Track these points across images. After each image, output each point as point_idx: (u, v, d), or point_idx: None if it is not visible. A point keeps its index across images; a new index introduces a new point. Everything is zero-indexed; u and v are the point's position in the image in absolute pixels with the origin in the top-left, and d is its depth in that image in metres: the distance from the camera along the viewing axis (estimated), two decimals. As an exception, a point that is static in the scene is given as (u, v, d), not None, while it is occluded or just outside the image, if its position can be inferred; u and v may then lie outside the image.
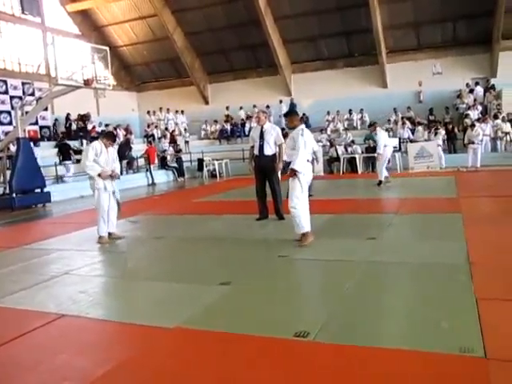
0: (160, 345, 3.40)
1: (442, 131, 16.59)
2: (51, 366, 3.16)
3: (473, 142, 14.83)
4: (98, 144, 7.02)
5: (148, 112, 23.54)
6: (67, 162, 16.01)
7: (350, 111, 20.87)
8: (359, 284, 4.44)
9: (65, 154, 16.38)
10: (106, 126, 19.94)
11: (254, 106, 20.46)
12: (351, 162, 16.98)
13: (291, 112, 6.69)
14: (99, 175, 6.87)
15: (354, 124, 20.61)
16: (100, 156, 6.88)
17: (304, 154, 5.82)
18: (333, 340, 3.24)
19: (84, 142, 19.38)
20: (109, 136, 7.30)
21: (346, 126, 20.54)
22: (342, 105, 20.76)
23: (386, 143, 12.01)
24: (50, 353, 3.38)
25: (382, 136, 12.05)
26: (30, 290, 4.87)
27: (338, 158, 16.84)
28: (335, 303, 3.94)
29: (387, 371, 2.82)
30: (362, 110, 20.63)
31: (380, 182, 11.86)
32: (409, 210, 8.17)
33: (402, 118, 19.36)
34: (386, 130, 18.62)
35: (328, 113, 20.97)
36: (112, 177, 7.00)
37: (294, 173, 5.83)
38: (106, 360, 3.21)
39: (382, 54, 20.15)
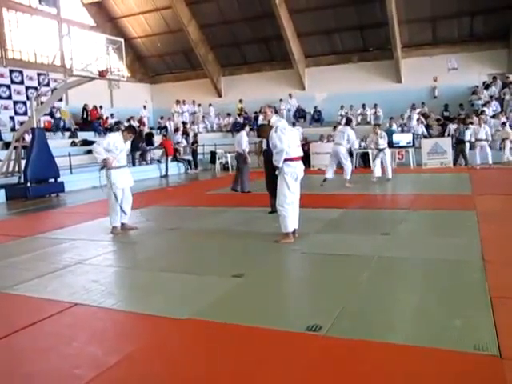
0: (172, 336, 3.42)
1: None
2: (63, 354, 3.18)
3: (480, 139, 14.68)
4: (116, 136, 7.16)
5: (144, 107, 23.47)
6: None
7: (364, 106, 20.71)
8: (373, 279, 4.42)
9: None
10: (129, 120, 19.97)
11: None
12: (364, 157, 16.90)
13: (260, 125, 6.79)
14: (105, 162, 6.92)
15: (368, 119, 20.44)
16: (116, 146, 6.97)
17: (281, 149, 5.71)
18: (345, 334, 3.23)
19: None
20: (130, 130, 7.43)
21: (359, 120, 20.39)
22: (356, 99, 20.59)
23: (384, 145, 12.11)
24: (62, 340, 3.40)
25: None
26: (43, 278, 4.91)
27: (350, 153, 16.72)
28: (348, 298, 3.92)
29: (400, 367, 2.81)
30: (375, 104, 20.44)
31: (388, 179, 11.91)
32: (422, 207, 8.10)
33: (420, 113, 19.15)
34: (400, 125, 18.55)
35: (341, 107, 20.83)
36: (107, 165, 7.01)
37: (278, 169, 5.79)
38: (117, 349, 3.23)
39: (397, 49, 19.93)
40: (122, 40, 13.03)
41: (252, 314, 3.69)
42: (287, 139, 5.74)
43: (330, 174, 11.51)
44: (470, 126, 15.47)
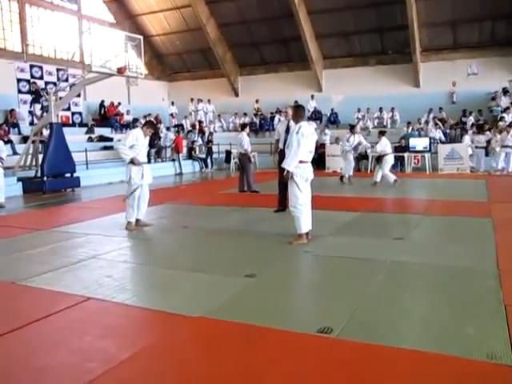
0: (183, 333, 3.43)
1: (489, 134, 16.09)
2: (76, 347, 3.21)
3: (506, 146, 14.54)
4: (138, 131, 7.26)
5: (172, 103, 23.59)
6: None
7: (381, 109, 20.59)
8: (385, 283, 4.39)
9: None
10: (145, 117, 20.12)
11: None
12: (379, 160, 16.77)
13: (298, 106, 6.58)
14: (132, 162, 6.98)
15: (384, 123, 20.33)
16: (138, 143, 7.06)
17: (296, 152, 5.69)
18: (357, 337, 3.21)
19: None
20: (150, 125, 7.54)
21: (375, 124, 20.29)
22: (373, 102, 20.49)
23: (387, 151, 12.23)
24: (75, 334, 3.44)
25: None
26: (57, 271, 4.97)
27: (366, 156, 16.65)
28: (360, 302, 3.91)
29: (411, 373, 2.79)
30: (393, 108, 20.32)
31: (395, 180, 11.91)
32: (437, 212, 8.03)
33: (434, 117, 19.03)
34: (417, 130, 18.41)
35: (358, 110, 20.73)
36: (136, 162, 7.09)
37: (287, 172, 5.76)
38: (129, 345, 3.25)
39: (416, 53, 19.77)
40: (141, 37, 13.13)
41: (264, 314, 3.69)
42: (305, 145, 5.74)
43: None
44: (488, 132, 15.35)
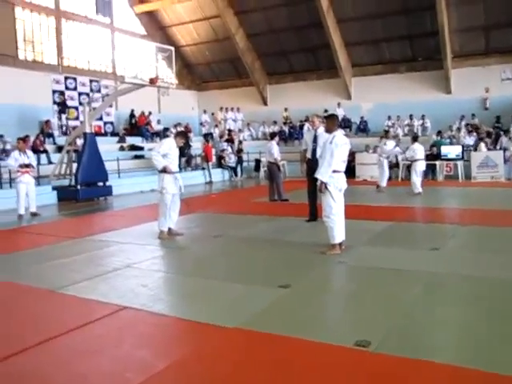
0: (219, 344, 3.42)
1: None
2: (114, 356, 3.25)
3: None
4: (172, 141, 7.39)
5: (204, 111, 23.85)
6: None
7: (411, 116, 20.32)
8: (422, 296, 4.31)
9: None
10: (175, 126, 20.42)
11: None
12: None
13: (331, 115, 6.49)
14: (165, 170, 7.07)
15: (415, 130, 20.02)
16: (171, 151, 7.17)
17: (329, 162, 5.64)
18: (394, 351, 3.15)
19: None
20: (182, 135, 7.77)
21: (406, 131, 20.04)
22: (403, 110, 20.25)
23: (416, 156, 12.00)
24: (112, 343, 3.48)
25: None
26: (92, 280, 5.04)
27: (397, 164, 16.44)
28: (397, 314, 3.83)
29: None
30: (423, 115, 20.03)
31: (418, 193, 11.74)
32: (473, 222, 7.83)
33: (467, 125, 18.67)
34: (449, 137, 18.10)
35: (389, 118, 20.51)
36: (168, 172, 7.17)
37: (321, 182, 5.71)
38: (166, 354, 3.27)
39: (448, 59, 19.47)
40: (173, 48, 13.32)
41: (299, 325, 3.66)
42: (338, 154, 5.69)
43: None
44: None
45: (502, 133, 17.14)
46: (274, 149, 10.80)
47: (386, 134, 13.55)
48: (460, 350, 3.21)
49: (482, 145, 16.09)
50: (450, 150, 15.95)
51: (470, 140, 17.62)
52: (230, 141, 20.70)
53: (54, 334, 3.57)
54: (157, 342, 3.53)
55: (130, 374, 2.96)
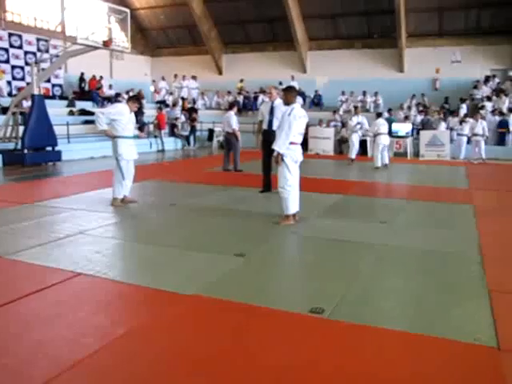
0: (177, 311, 3.45)
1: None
2: (70, 322, 3.22)
3: (475, 135, 14.79)
4: (124, 106, 7.21)
5: (162, 78, 23.31)
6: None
7: (364, 93, 20.66)
8: (372, 266, 4.49)
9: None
10: (128, 92, 19.90)
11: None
12: (362, 144, 16.89)
13: (289, 87, 6.44)
14: (105, 133, 7.05)
15: (367, 106, 20.41)
16: (122, 118, 6.99)
17: (287, 134, 5.67)
18: (347, 319, 3.30)
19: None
20: (135, 100, 7.52)
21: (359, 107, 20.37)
22: (357, 86, 20.55)
23: (379, 130, 12.46)
24: (68, 309, 3.44)
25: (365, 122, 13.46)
26: (45, 246, 4.93)
27: (346, 140, 16.73)
28: (349, 283, 3.99)
29: (399, 354, 2.89)
30: (376, 92, 20.40)
31: (376, 167, 12.29)
32: (421, 197, 8.16)
33: (418, 104, 19.21)
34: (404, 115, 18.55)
35: (342, 93, 20.78)
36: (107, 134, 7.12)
37: (277, 154, 5.76)
38: (124, 321, 3.27)
39: (402, 38, 19.83)
40: (128, 11, 12.83)
41: (256, 293, 3.75)
42: (296, 127, 5.74)
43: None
44: (468, 119, 15.54)
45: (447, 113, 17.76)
46: (233, 119, 10.75)
47: (355, 110, 13.89)
48: (409, 317, 3.39)
49: (443, 124, 16.55)
50: (401, 128, 16.38)
51: (418, 119, 18.14)
52: (184, 109, 20.37)
53: (7, 301, 3.49)
54: (114, 309, 3.52)
55: (88, 340, 2.95)
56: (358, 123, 13.32)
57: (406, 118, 16.97)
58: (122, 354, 2.83)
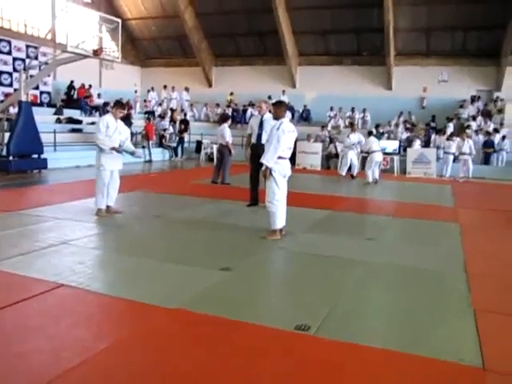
0: (159, 325, 3.39)
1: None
2: (50, 335, 3.14)
3: (463, 153, 14.96)
4: (108, 117, 7.05)
5: (152, 88, 23.29)
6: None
7: (353, 109, 20.84)
8: (358, 283, 4.48)
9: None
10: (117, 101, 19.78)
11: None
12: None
13: (280, 102, 6.42)
14: (114, 150, 6.91)
15: (355, 122, 20.52)
16: (108, 130, 6.88)
17: (275, 148, 5.66)
18: (332, 335, 3.27)
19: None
20: (119, 105, 7.26)
21: (347, 123, 20.53)
22: (346, 102, 20.76)
23: (372, 148, 12.82)
24: (49, 321, 3.36)
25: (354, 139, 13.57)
26: (27, 255, 4.84)
27: (336, 155, 16.84)
28: (335, 300, 3.96)
29: (383, 372, 2.86)
30: (364, 109, 20.61)
31: (367, 182, 12.60)
32: (407, 215, 8.19)
33: (405, 121, 19.43)
34: (387, 132, 18.73)
35: (331, 108, 20.94)
36: (116, 150, 6.96)
37: (266, 168, 5.75)
38: (105, 334, 3.21)
39: (391, 56, 20.13)
40: (119, 21, 12.83)
41: (241, 308, 3.70)
42: (285, 141, 5.74)
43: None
44: (455, 138, 15.71)
45: (432, 132, 17.98)
46: (227, 132, 10.71)
47: (351, 127, 14.07)
48: (394, 336, 3.37)
49: (418, 141, 16.84)
50: (388, 145, 16.53)
51: (405, 135, 18.32)
52: (172, 120, 20.35)
53: (-14, 311, 3.41)
54: (95, 322, 3.45)
55: (68, 354, 2.88)
56: (359, 143, 13.49)
57: (384, 133, 17.35)
58: (101, 369, 2.76)
